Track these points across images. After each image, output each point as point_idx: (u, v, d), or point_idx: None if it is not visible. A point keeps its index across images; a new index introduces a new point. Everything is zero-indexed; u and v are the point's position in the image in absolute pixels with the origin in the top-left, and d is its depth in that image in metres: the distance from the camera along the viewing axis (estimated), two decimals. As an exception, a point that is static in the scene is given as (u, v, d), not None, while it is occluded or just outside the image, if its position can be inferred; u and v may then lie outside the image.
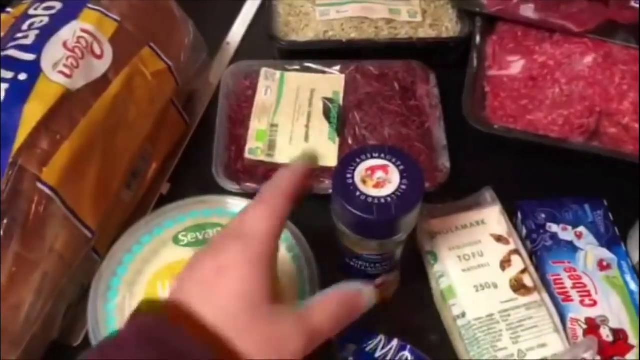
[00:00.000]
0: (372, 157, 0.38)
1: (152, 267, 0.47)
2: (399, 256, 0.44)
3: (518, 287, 0.46)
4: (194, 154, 0.59)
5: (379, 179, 0.37)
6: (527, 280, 0.46)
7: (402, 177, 0.37)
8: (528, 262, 0.48)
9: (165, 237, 0.48)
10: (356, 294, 0.35)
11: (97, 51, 0.48)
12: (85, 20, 0.49)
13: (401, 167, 0.38)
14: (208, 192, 0.52)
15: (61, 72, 0.45)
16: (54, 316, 0.45)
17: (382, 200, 0.37)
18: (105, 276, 0.46)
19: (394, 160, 0.38)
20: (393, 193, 0.37)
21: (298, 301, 0.46)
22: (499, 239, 0.48)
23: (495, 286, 0.46)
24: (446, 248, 0.48)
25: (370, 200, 0.37)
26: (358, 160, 0.38)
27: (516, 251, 0.47)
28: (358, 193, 0.37)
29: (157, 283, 0.46)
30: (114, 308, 0.45)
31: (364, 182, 0.37)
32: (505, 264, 0.47)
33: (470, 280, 0.46)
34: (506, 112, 0.57)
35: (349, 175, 0.38)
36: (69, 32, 0.48)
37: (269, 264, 0.33)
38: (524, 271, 0.46)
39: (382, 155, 0.38)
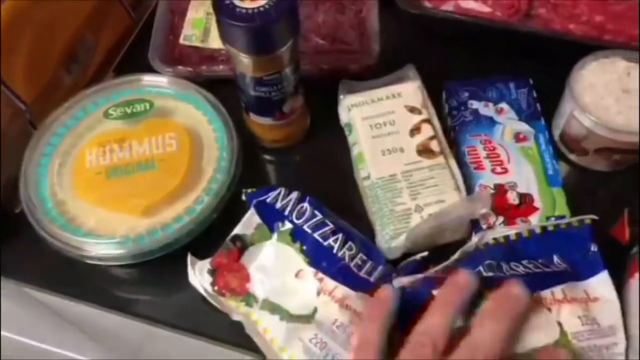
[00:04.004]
0: None
1: (84, 141, 0.50)
2: (296, 77, 0.47)
3: (424, 151, 0.47)
4: (142, 47, 0.61)
5: None
6: (434, 146, 0.47)
7: None
8: (439, 131, 0.49)
9: (98, 113, 0.52)
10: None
11: None
12: None
13: None
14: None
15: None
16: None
17: (261, 9, 0.41)
18: (41, 144, 0.50)
19: None
20: (268, 1, 0.41)
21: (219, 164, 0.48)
22: (412, 109, 0.49)
23: (402, 150, 0.47)
24: (360, 118, 0.49)
25: (250, 11, 0.41)
26: None
27: (427, 120, 0.49)
28: (238, 9, 0.41)
29: (86, 152, 0.49)
30: (45, 172, 0.49)
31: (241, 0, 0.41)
32: (415, 131, 0.48)
33: (378, 146, 0.48)
34: (440, -4, 0.58)
35: (227, 1, 0.41)
36: None
37: None
38: (432, 138, 0.48)
39: None
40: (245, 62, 0.44)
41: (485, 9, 0.56)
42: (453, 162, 0.48)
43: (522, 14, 0.56)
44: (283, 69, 0.45)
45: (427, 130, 0.48)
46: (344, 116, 0.51)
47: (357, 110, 0.50)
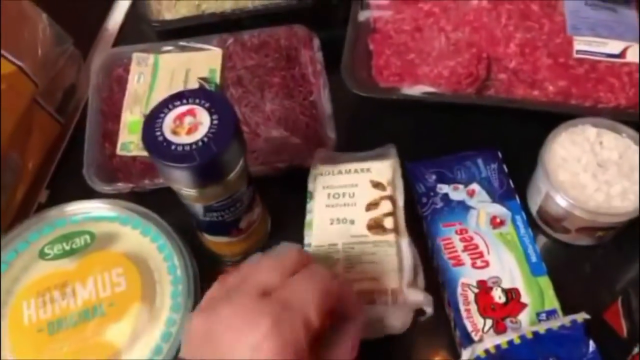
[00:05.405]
0: (175, 107, 0.37)
1: (20, 285, 0.45)
2: (249, 193, 0.43)
3: (374, 226, 0.43)
4: (75, 155, 0.55)
5: (190, 124, 0.36)
6: (387, 222, 0.43)
7: (211, 114, 0.36)
8: (400, 210, 0.45)
9: (32, 251, 0.46)
10: None
11: None
12: None
13: (207, 105, 0.37)
14: (91, 196, 0.49)
15: None
16: None
17: (200, 143, 0.35)
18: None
19: (197, 100, 0.37)
20: (207, 132, 0.36)
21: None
22: (377, 185, 0.45)
23: (352, 222, 0.44)
24: (321, 187, 0.46)
25: (188, 148, 0.35)
26: (162, 115, 0.37)
27: (389, 197, 0.45)
28: (174, 147, 0.35)
29: (22, 304, 0.43)
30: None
31: (175, 133, 0.36)
32: (372, 206, 0.44)
33: (329, 214, 0.45)
34: (392, 70, 0.54)
35: (158, 134, 0.36)
36: None
37: None
38: (388, 214, 0.44)
39: (185, 101, 0.37)
40: (190, 195, 0.39)
41: (441, 89, 0.52)
42: (405, 243, 0.43)
43: (480, 81, 0.52)
44: (235, 193, 0.41)
45: (385, 207, 0.44)
46: (310, 184, 0.48)
47: (321, 179, 0.47)
